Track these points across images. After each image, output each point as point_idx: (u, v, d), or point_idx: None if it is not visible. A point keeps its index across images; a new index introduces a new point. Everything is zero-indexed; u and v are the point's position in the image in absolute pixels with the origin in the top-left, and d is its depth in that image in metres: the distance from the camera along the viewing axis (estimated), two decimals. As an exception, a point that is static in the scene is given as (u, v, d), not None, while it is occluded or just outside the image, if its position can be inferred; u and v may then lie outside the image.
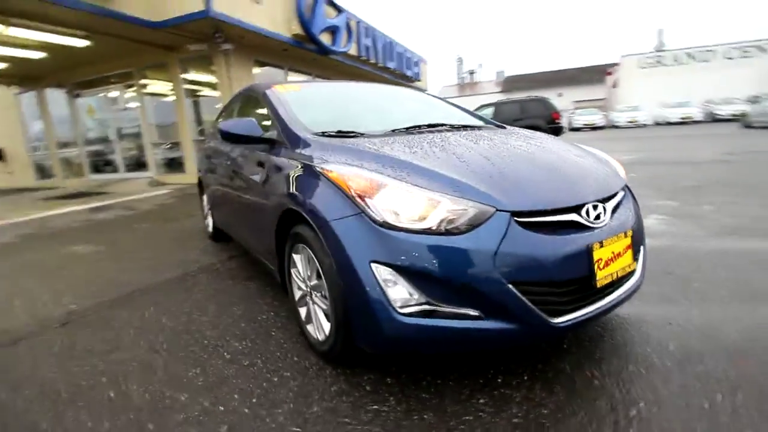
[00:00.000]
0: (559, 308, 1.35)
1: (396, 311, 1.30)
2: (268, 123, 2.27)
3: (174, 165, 9.28)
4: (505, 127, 2.49)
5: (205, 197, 4.02)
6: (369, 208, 1.37)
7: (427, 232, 1.31)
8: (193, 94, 9.08)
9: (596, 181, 1.60)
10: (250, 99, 2.90)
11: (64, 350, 1.99)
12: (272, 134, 2.11)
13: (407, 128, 2.10)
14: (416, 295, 1.30)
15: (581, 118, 24.28)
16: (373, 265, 1.32)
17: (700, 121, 22.08)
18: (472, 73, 50.61)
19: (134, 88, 9.19)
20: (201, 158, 4.02)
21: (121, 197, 7.38)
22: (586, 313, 1.40)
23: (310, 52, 9.61)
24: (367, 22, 11.55)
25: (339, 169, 1.54)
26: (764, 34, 33.26)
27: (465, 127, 2.34)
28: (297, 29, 8.53)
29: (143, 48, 7.78)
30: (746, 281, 2.23)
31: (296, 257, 1.82)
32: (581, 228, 1.41)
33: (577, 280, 1.37)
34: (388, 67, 13.41)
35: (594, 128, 23.59)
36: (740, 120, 16.39)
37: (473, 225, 1.30)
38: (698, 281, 2.28)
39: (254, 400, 1.51)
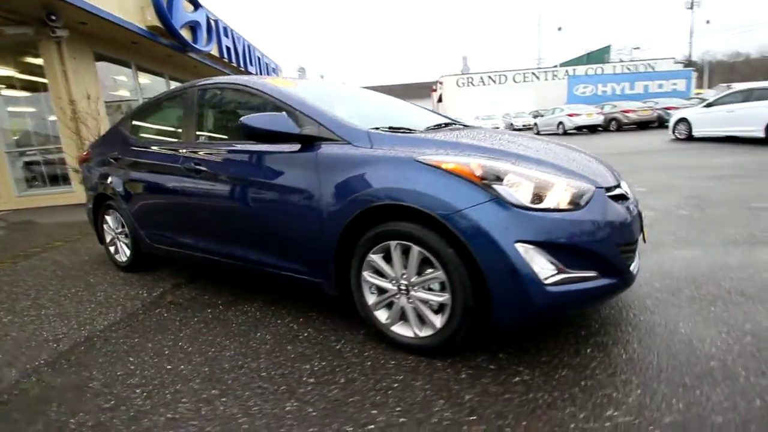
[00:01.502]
0: (630, 262, 1.72)
1: (543, 284, 1.45)
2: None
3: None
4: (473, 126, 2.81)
5: (111, 218, 3.18)
6: (502, 193, 1.48)
7: (556, 210, 1.50)
8: (-5, 90, 6.76)
9: (606, 166, 2.06)
10: (221, 94, 2.51)
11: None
12: (310, 130, 1.92)
13: (438, 125, 2.21)
14: (554, 267, 1.47)
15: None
16: (517, 244, 1.44)
17: (503, 130, 27.94)
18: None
19: None
20: (102, 171, 3.15)
21: None
22: (637, 263, 1.82)
23: (165, 49, 8.32)
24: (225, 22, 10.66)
25: (455, 159, 1.58)
26: (538, 63, 44.12)
27: (465, 126, 2.59)
28: (153, 20, 7.27)
29: None
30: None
31: (375, 258, 1.74)
32: (626, 199, 1.83)
33: (637, 238, 1.77)
34: (249, 71, 12.62)
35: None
36: (533, 128, 21.47)
37: (587, 201, 1.56)
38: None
39: (398, 409, 1.42)
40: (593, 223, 1.53)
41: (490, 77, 35.09)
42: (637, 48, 46.28)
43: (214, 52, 9.93)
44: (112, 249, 3.32)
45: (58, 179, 7.00)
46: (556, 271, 1.47)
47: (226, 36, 10.62)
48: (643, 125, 17.12)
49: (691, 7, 38.79)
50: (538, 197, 1.50)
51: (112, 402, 1.59)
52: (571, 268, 1.50)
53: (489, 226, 1.45)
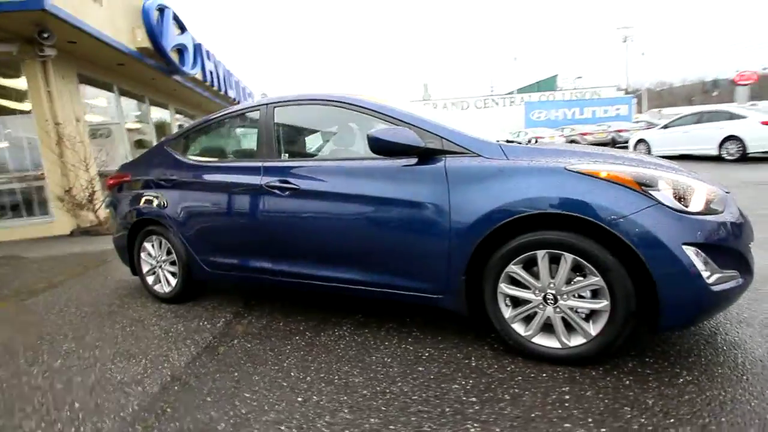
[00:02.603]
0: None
1: (708, 284, 1.50)
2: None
3: None
4: None
5: (153, 246, 2.93)
6: (661, 199, 1.53)
7: (707, 212, 1.57)
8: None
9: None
10: (308, 112, 2.48)
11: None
12: (433, 144, 1.90)
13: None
14: (711, 267, 1.53)
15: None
16: (684, 246, 1.49)
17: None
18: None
19: None
20: (146, 194, 2.91)
21: None
22: None
23: (150, 71, 8.00)
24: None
25: (609, 167, 1.62)
26: (491, 90, 46.78)
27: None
28: (144, 41, 7.00)
29: None
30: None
31: (516, 268, 1.72)
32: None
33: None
34: (228, 95, 12.38)
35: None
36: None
37: (725, 204, 1.65)
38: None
39: (591, 421, 1.38)
40: (734, 225, 1.62)
41: (452, 103, 36.66)
42: (580, 77, 50.57)
43: (198, 75, 9.67)
44: (150, 279, 3.05)
45: (36, 208, 6.35)
46: (713, 272, 1.53)
47: (209, 59, 10.40)
48: (598, 146, 18.50)
49: (625, 41, 43.60)
50: (694, 201, 1.57)
51: (263, 443, 1.43)
52: (723, 268, 1.56)
53: (656, 229, 1.49)
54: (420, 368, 1.83)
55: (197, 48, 9.38)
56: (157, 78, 8.56)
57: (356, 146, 2.40)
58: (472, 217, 1.76)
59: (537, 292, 1.72)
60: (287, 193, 2.25)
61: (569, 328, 1.70)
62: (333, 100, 2.27)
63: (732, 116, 9.83)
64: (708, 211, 1.58)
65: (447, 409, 1.52)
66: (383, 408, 1.56)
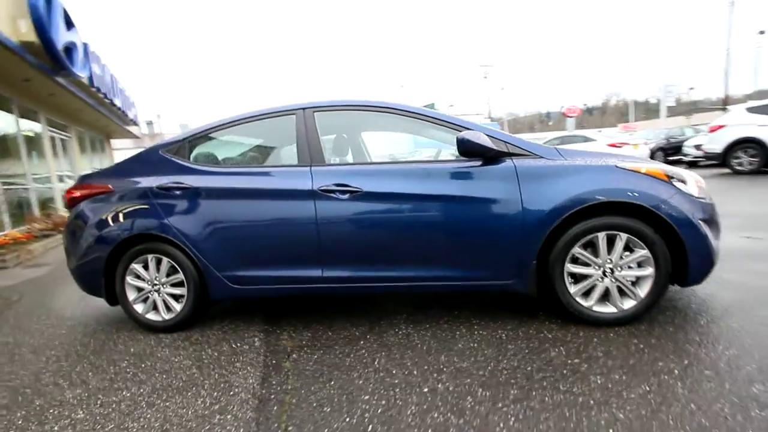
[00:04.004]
0: None
1: (714, 248, 2.05)
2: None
3: None
4: None
5: (146, 267, 2.52)
6: (681, 187, 2.06)
7: (702, 197, 2.14)
8: None
9: None
10: (356, 117, 2.52)
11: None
12: (500, 147, 2.15)
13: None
14: (713, 235, 2.09)
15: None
16: (700, 221, 2.02)
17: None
18: (149, 123, 45.38)
19: None
20: (140, 206, 2.49)
21: None
22: None
23: (27, 71, 6.53)
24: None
25: (645, 165, 2.09)
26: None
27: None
28: (29, 34, 5.71)
29: None
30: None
31: (579, 250, 2.07)
32: None
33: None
34: (114, 103, 10.69)
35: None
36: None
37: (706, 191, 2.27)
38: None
39: (707, 372, 1.77)
40: (714, 205, 2.24)
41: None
42: (452, 105, 57.38)
43: (85, 80, 8.21)
44: (140, 308, 2.58)
45: None
46: (713, 239, 2.10)
47: (95, 63, 8.93)
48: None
49: (486, 77, 51.31)
50: (698, 189, 2.13)
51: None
52: (715, 236, 2.15)
53: (684, 209, 2.00)
54: (510, 346, 2.02)
55: (86, 48, 7.99)
56: (33, 79, 7.02)
57: (404, 150, 2.52)
58: (544, 209, 2.06)
59: (596, 267, 2.10)
60: (347, 196, 2.24)
61: (621, 294, 2.10)
62: (390, 108, 2.37)
63: (586, 139, 12.48)
64: (704, 195, 2.17)
65: (564, 371, 1.75)
66: (511, 381, 1.71)
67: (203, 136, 2.63)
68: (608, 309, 2.12)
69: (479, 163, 2.18)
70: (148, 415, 1.69)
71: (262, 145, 2.79)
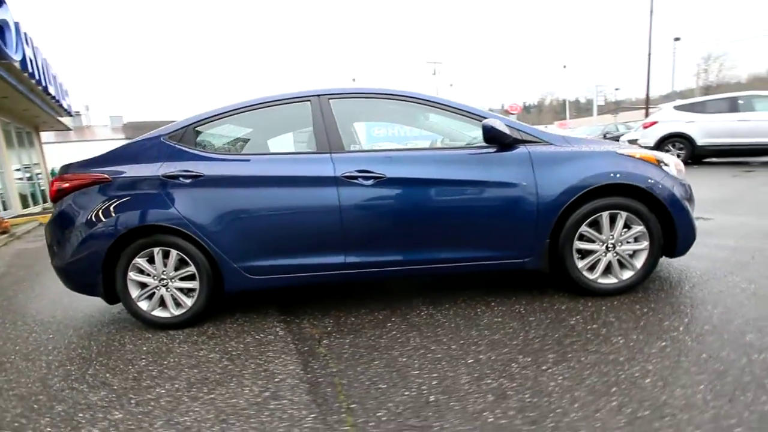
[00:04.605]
0: None
1: (695, 222, 2.36)
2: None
3: None
4: None
5: (152, 261, 2.40)
6: (667, 170, 2.34)
7: (682, 180, 2.45)
8: None
9: None
10: (374, 105, 2.55)
11: None
12: (514, 134, 2.30)
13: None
14: (693, 210, 2.41)
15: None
16: (683, 200, 2.32)
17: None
18: (77, 114, 41.09)
19: None
20: (143, 195, 2.34)
21: None
22: None
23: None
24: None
25: (638, 151, 2.35)
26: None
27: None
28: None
29: None
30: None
31: (586, 228, 2.29)
32: None
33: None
34: (49, 91, 9.60)
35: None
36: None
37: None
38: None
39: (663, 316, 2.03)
40: (691, 186, 2.56)
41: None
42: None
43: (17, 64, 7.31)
44: (144, 305, 2.43)
45: None
46: (693, 214, 2.42)
47: (27, 44, 7.97)
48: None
49: (434, 74, 52.61)
50: (677, 172, 2.43)
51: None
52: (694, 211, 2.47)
53: (671, 189, 2.28)
54: (531, 318, 2.19)
55: (17, 27, 7.11)
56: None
57: (421, 136, 2.60)
58: (557, 191, 2.25)
59: (600, 243, 2.33)
60: (371, 182, 2.29)
61: (621, 267, 2.36)
62: (408, 96, 2.43)
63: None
64: (683, 177, 2.48)
65: (588, 336, 1.94)
66: (545, 347, 1.88)
67: (209, 122, 2.53)
68: (610, 280, 2.36)
69: (494, 149, 2.32)
70: (197, 408, 1.64)
71: (270, 132, 2.72)
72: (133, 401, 1.73)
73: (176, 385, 1.84)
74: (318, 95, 2.46)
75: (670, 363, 1.66)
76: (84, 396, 1.80)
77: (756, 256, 2.84)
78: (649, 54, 26.81)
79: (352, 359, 1.95)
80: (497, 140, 2.25)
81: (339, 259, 2.37)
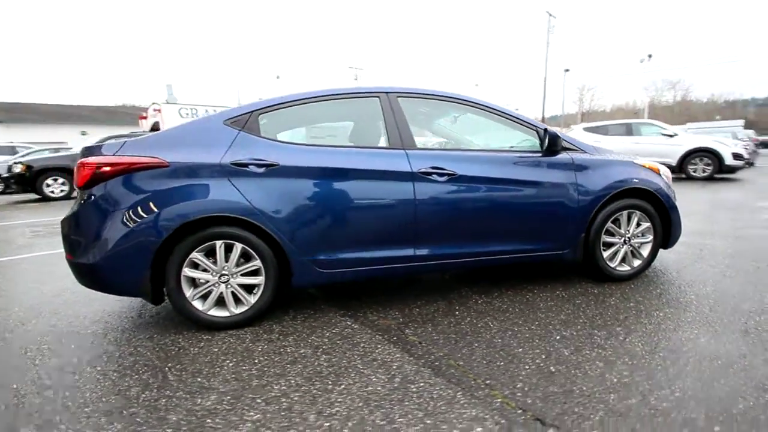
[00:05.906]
0: None
1: (681, 219, 2.98)
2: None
3: None
4: None
5: (210, 257, 2.23)
6: (664, 178, 2.92)
7: (670, 185, 3.06)
8: None
9: None
10: (441, 106, 2.71)
11: None
12: (566, 144, 2.66)
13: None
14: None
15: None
16: (674, 200, 2.91)
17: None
18: None
19: None
20: (209, 184, 2.15)
21: None
22: None
23: None
24: None
25: (647, 161, 2.87)
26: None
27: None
28: None
29: None
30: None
31: (611, 224, 2.75)
32: None
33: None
34: None
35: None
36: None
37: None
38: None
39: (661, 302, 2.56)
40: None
41: (206, 110, 34.20)
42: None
43: None
44: (198, 304, 2.23)
45: None
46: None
47: None
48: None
49: (356, 79, 53.36)
50: (667, 179, 3.03)
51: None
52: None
53: (669, 193, 2.86)
54: (577, 301, 2.55)
55: None
56: None
57: (481, 139, 2.82)
58: (593, 191, 2.67)
59: (619, 237, 2.80)
60: (444, 178, 2.43)
61: (633, 256, 2.86)
62: (476, 103, 2.66)
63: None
64: (670, 183, 3.09)
65: (634, 312, 2.36)
66: (608, 322, 2.23)
67: (274, 109, 2.42)
68: (625, 268, 2.86)
69: (540, 154, 2.65)
70: (339, 399, 1.63)
71: (339, 124, 2.69)
72: (259, 400, 1.63)
73: (292, 381, 1.77)
74: (387, 92, 2.53)
75: (707, 331, 2.12)
76: (192, 402, 1.64)
77: (704, 249, 3.65)
78: (545, 78, 30.80)
79: (449, 344, 2.07)
80: (555, 146, 2.58)
81: (408, 251, 2.46)
